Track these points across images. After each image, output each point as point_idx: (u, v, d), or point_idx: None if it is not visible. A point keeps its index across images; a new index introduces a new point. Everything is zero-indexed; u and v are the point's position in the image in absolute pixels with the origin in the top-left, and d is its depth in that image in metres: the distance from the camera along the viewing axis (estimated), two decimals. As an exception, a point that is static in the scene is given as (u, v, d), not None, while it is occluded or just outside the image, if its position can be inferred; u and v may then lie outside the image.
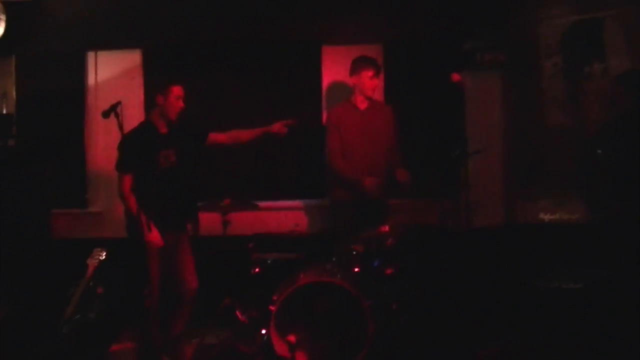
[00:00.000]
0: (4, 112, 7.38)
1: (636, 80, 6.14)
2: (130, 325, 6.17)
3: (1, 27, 6.89)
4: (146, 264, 5.78)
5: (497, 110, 7.32)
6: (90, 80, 7.51)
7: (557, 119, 6.96)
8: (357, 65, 6.72)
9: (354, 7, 7.11)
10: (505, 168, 7.32)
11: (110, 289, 6.04)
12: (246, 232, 6.69)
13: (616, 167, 6.08)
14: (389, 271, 6.08)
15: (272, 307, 5.64)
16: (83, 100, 7.53)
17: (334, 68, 7.38)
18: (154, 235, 5.76)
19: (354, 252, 6.13)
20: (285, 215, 7.28)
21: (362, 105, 6.76)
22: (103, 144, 7.34)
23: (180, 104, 6.05)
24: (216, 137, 6.32)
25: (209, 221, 6.45)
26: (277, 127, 6.26)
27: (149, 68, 7.52)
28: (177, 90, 6.04)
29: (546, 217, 6.88)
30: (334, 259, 6.10)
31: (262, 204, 6.65)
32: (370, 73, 6.67)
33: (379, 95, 7.12)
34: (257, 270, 6.26)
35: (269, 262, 6.30)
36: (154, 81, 6.80)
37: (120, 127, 5.65)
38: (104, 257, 5.84)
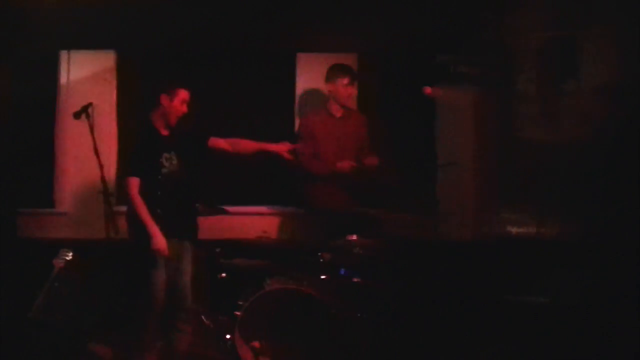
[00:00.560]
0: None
1: (611, 97, 6.19)
2: (114, 331, 6.00)
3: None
4: (148, 272, 5.68)
5: (470, 124, 7.32)
6: (63, 80, 7.42)
7: (530, 134, 6.98)
8: (333, 72, 6.74)
9: (330, 16, 7.10)
10: (477, 182, 7.33)
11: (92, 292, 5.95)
12: (214, 236, 6.61)
13: (592, 182, 6.11)
14: (356, 280, 6.08)
15: (237, 313, 5.63)
16: (54, 100, 7.43)
17: (309, 75, 7.36)
18: (161, 242, 5.65)
19: (322, 260, 6.13)
20: (253, 220, 7.22)
21: (338, 113, 6.77)
22: (73, 144, 7.21)
23: (184, 108, 5.91)
24: (217, 142, 6.17)
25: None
26: (282, 149, 6.20)
27: (122, 70, 7.44)
28: (183, 94, 5.91)
29: (516, 230, 6.89)
30: (301, 266, 6.08)
31: (231, 209, 6.61)
32: (345, 81, 6.70)
33: (352, 104, 7.12)
34: (223, 275, 6.21)
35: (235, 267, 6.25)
36: (128, 84, 6.75)
37: (91, 128, 5.61)
38: (70, 257, 5.79)
